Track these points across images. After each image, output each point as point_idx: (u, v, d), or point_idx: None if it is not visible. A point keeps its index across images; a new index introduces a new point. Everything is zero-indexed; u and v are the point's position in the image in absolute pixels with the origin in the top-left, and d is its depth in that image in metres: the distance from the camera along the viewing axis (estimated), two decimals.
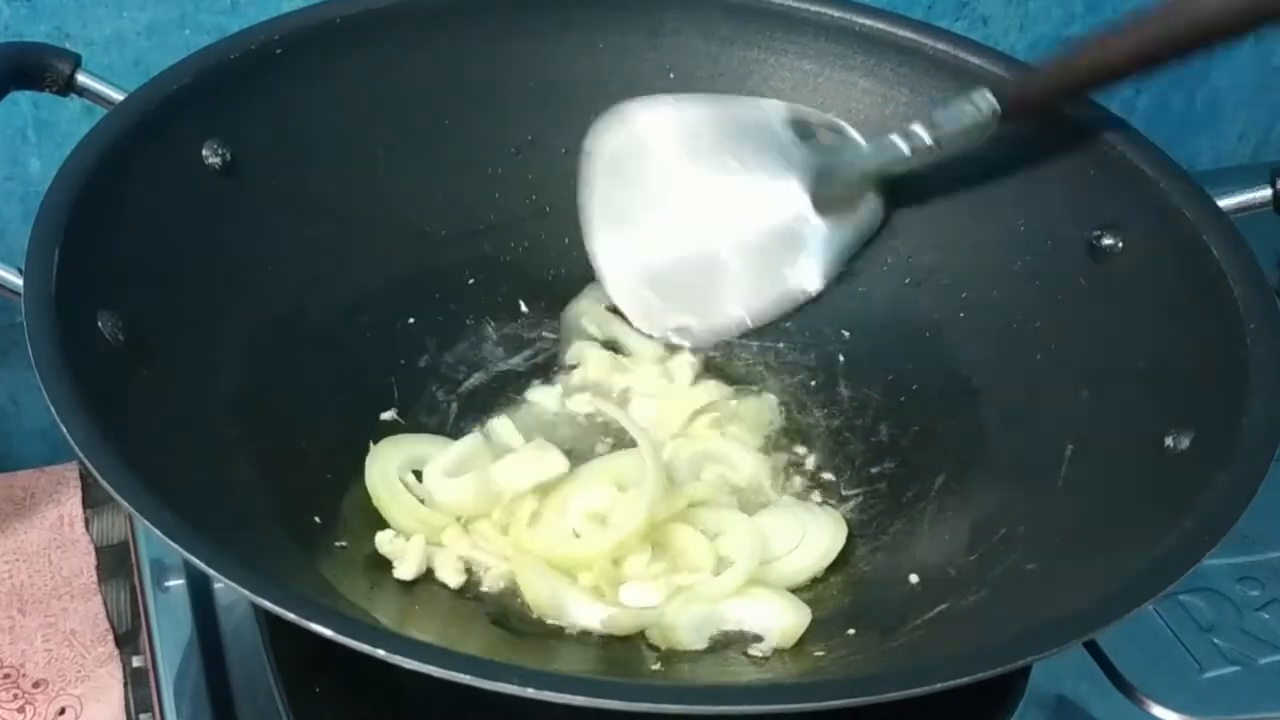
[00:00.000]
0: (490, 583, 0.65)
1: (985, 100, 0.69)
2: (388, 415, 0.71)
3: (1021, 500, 0.65)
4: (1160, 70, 0.67)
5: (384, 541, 0.65)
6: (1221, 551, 0.53)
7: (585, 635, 0.63)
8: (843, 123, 0.76)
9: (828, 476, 0.72)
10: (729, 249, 0.76)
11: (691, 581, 0.64)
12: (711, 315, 0.76)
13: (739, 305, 0.76)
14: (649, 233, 0.77)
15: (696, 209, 0.77)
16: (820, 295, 0.76)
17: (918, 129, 0.70)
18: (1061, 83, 0.69)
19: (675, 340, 0.76)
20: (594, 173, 0.77)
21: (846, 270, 0.76)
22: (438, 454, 0.68)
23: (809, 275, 0.76)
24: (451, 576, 0.65)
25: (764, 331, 0.77)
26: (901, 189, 0.75)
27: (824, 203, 0.75)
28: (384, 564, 0.65)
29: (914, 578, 0.65)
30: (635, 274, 0.77)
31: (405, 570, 0.64)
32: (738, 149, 0.76)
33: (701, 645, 0.62)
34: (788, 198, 0.75)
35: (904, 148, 0.71)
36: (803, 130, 0.76)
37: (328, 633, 0.47)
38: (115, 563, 0.81)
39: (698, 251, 0.76)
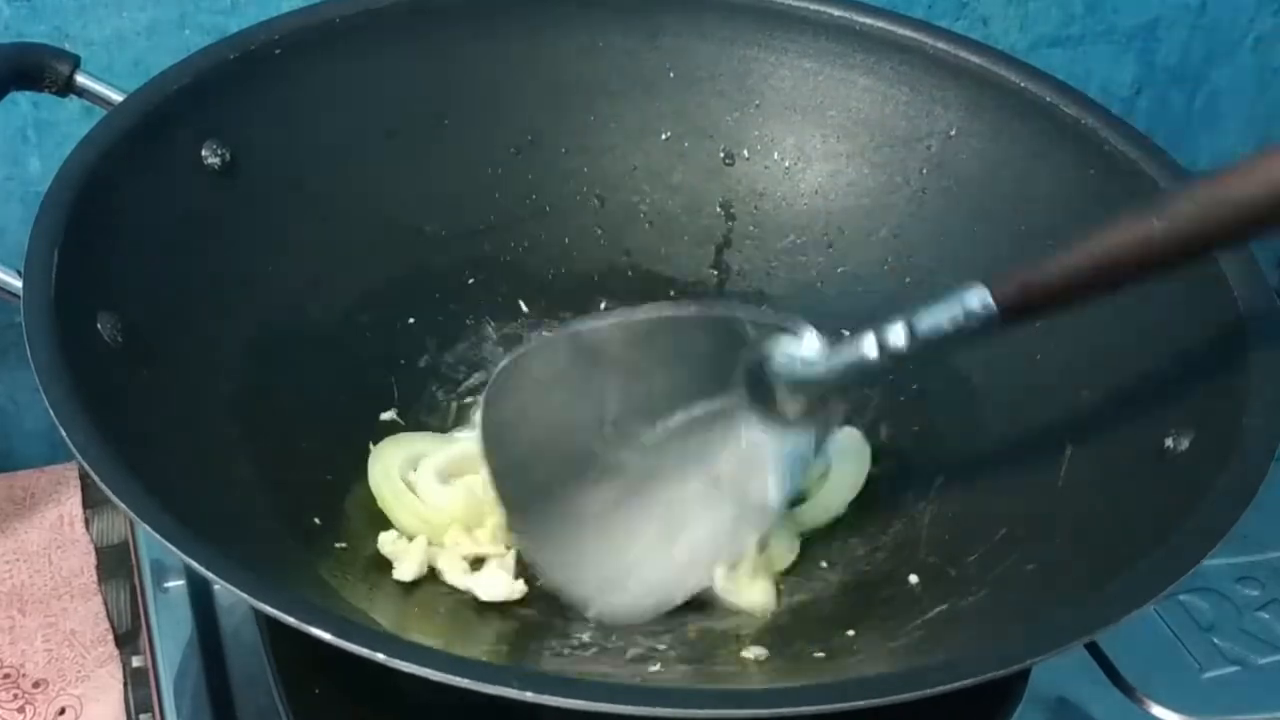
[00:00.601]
0: None
1: (979, 300, 0.58)
2: (387, 415, 0.71)
3: (1021, 500, 0.65)
4: (1192, 263, 0.58)
5: (386, 543, 0.65)
6: (1221, 551, 0.53)
7: (589, 640, 0.63)
8: (799, 321, 0.64)
9: None
10: (670, 493, 0.65)
11: None
12: (655, 583, 0.65)
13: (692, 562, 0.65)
14: (568, 500, 0.65)
15: (620, 454, 0.65)
16: (817, 289, 0.76)
17: (895, 332, 0.60)
18: (1076, 283, 0.58)
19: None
20: (487, 439, 0.65)
21: (846, 270, 0.76)
22: (432, 455, 0.68)
23: (761, 506, 0.65)
24: (456, 578, 0.65)
25: None
26: (900, 189, 0.75)
27: (774, 417, 0.64)
28: (384, 565, 0.65)
29: (914, 578, 0.65)
30: (561, 552, 0.65)
31: (405, 571, 0.64)
32: (658, 371, 0.65)
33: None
34: (729, 418, 0.64)
35: (871, 353, 0.60)
36: (737, 335, 0.64)
37: (327, 636, 0.47)
38: (115, 563, 0.81)
39: (630, 508, 0.65)
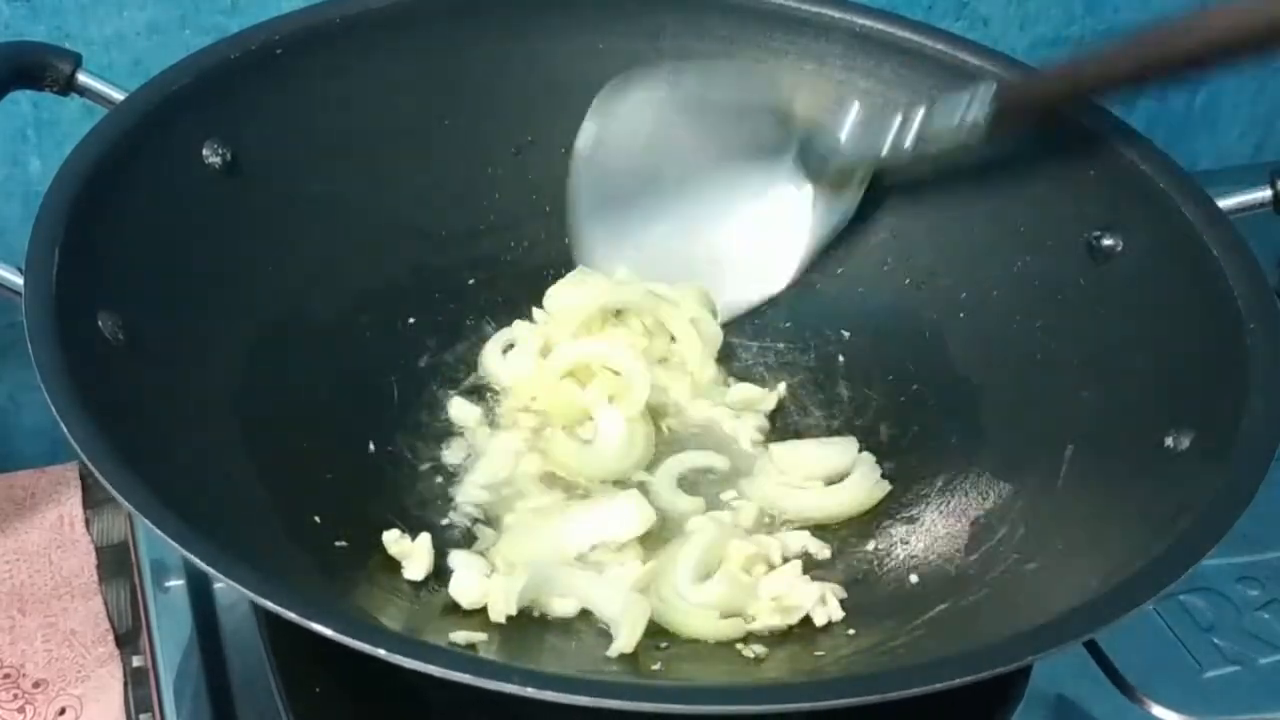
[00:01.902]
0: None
1: (983, 100, 0.68)
2: (388, 415, 0.71)
3: (1021, 500, 0.65)
4: (1159, 86, 0.67)
5: (391, 541, 0.65)
6: (1221, 551, 0.53)
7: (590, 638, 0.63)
8: (844, 107, 0.75)
9: None
10: (720, 231, 0.77)
11: None
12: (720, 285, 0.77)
13: (728, 287, 0.77)
14: (637, 215, 0.77)
15: (686, 190, 0.77)
16: (816, 289, 0.77)
17: (908, 124, 0.70)
18: (1059, 89, 0.69)
19: None
20: (582, 157, 0.76)
21: (847, 271, 0.76)
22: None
23: (790, 259, 0.77)
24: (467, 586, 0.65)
25: (764, 332, 0.77)
26: (900, 191, 0.75)
27: (817, 182, 0.76)
28: (385, 564, 0.65)
29: (914, 578, 0.65)
30: (621, 255, 0.77)
31: (415, 570, 0.64)
32: (730, 129, 0.76)
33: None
34: (780, 180, 0.76)
35: (885, 144, 0.71)
36: (791, 114, 0.76)
37: (328, 632, 0.47)
38: (115, 563, 0.81)
39: (687, 231, 0.77)
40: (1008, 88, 0.69)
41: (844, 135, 0.74)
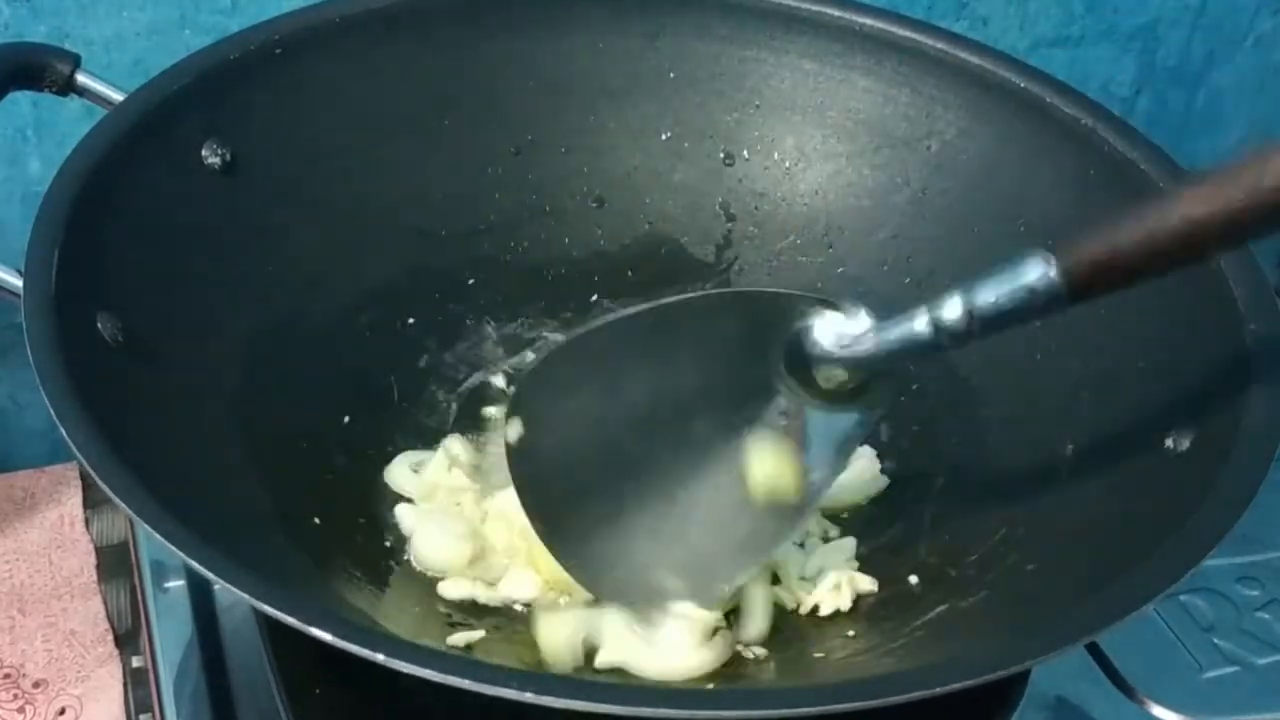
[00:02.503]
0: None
1: (1041, 275, 0.53)
2: (388, 415, 0.71)
3: (1021, 500, 0.65)
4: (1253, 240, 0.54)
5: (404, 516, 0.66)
6: (1221, 551, 0.53)
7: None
8: (838, 300, 0.62)
9: None
10: (708, 484, 0.63)
11: None
12: (715, 569, 0.63)
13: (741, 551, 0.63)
14: (599, 500, 0.62)
15: (648, 451, 0.62)
16: (817, 289, 0.73)
17: (951, 307, 0.56)
18: (1154, 253, 0.53)
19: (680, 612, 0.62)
20: (516, 453, 0.62)
21: (847, 271, 0.76)
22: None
23: (818, 484, 0.63)
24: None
25: None
26: (900, 189, 0.75)
27: (820, 396, 0.62)
28: (385, 565, 0.65)
29: (914, 578, 0.65)
30: (597, 554, 0.62)
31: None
32: (699, 357, 0.62)
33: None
34: (769, 401, 0.62)
35: (925, 331, 0.57)
36: (777, 313, 0.62)
37: (328, 637, 0.47)
38: (115, 563, 0.81)
39: (668, 501, 0.63)
40: (1074, 260, 0.53)
41: (849, 337, 0.61)
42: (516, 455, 0.61)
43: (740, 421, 0.62)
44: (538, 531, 0.61)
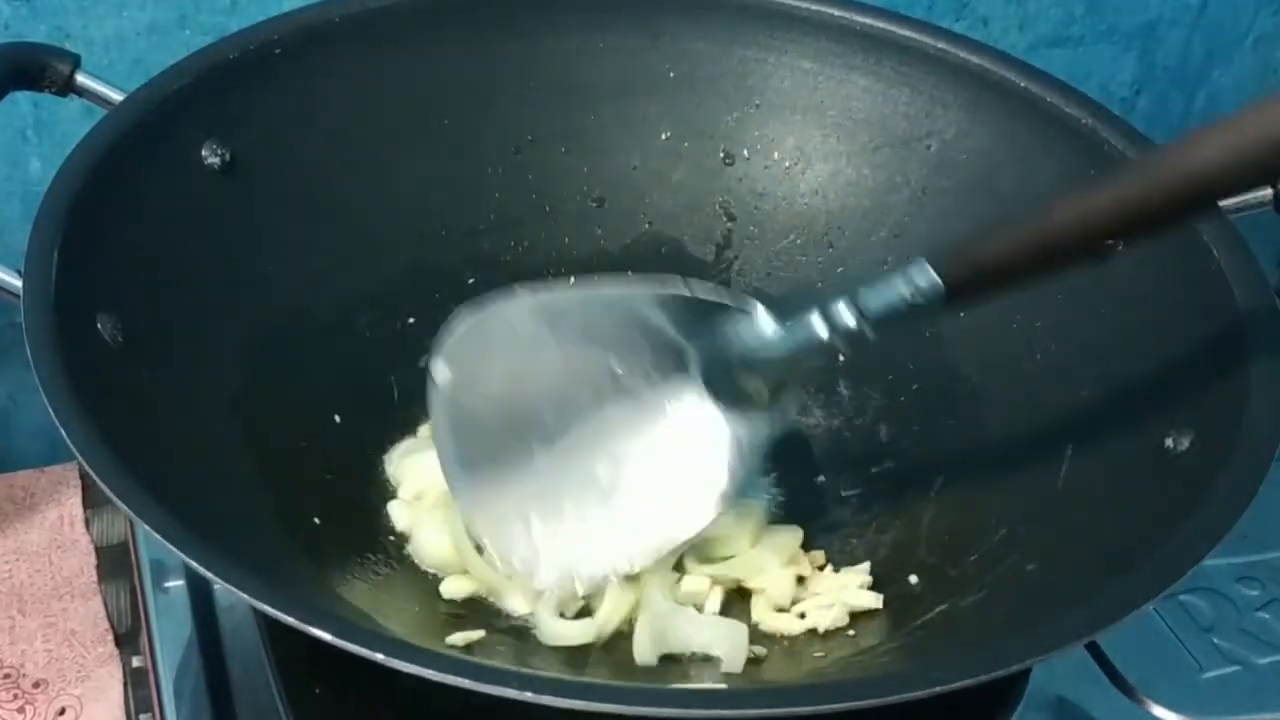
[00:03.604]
0: None
1: (924, 276, 0.58)
2: (388, 415, 0.71)
3: (1021, 500, 0.65)
4: (1152, 235, 0.58)
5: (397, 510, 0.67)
6: (1221, 551, 0.53)
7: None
8: (750, 300, 0.65)
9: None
10: (622, 470, 0.65)
11: None
12: (602, 550, 0.64)
13: (639, 533, 0.65)
14: (520, 464, 0.64)
15: (571, 428, 0.65)
16: (817, 289, 0.75)
17: (840, 309, 0.60)
18: (1022, 258, 0.58)
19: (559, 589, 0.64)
20: (442, 398, 0.64)
21: (847, 271, 0.76)
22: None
23: (710, 493, 0.64)
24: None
25: None
26: (900, 189, 0.75)
27: (726, 398, 0.65)
28: (385, 565, 0.65)
29: (914, 578, 0.65)
30: (509, 514, 0.64)
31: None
32: (614, 342, 0.65)
33: (653, 662, 0.62)
34: (682, 398, 0.65)
35: (820, 331, 0.61)
36: (693, 314, 0.65)
37: (327, 637, 0.47)
38: (115, 563, 0.81)
39: (581, 475, 0.65)
40: (949, 261, 0.58)
41: (755, 339, 0.64)
42: (442, 398, 0.64)
43: (654, 414, 0.65)
44: (446, 475, 0.64)
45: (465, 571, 0.65)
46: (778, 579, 0.65)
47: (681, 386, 0.65)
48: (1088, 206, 0.56)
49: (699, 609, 0.65)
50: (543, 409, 0.65)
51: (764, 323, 0.63)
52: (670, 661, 0.63)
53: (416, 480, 0.68)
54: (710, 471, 0.64)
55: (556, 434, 0.65)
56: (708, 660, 0.63)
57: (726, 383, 0.65)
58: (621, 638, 0.63)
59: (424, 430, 0.71)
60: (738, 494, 0.65)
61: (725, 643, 0.62)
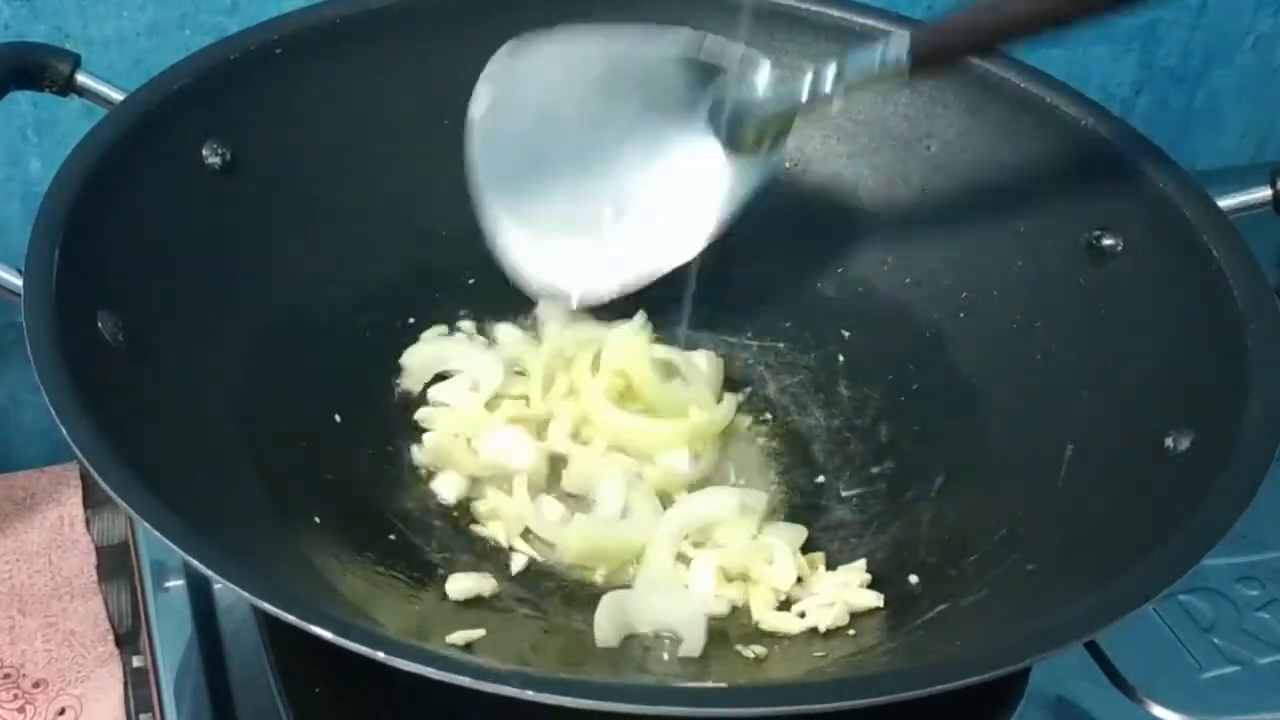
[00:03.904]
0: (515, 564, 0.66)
1: (899, 45, 0.64)
2: (388, 415, 0.71)
3: (1021, 500, 0.65)
4: (1065, 29, 0.63)
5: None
6: (1221, 551, 0.53)
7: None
8: (756, 54, 0.71)
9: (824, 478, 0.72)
10: (628, 196, 0.74)
11: None
12: (609, 267, 0.74)
13: (637, 255, 0.74)
14: (539, 181, 0.73)
15: (591, 154, 0.73)
16: (817, 289, 0.77)
17: (826, 73, 0.66)
18: (967, 38, 0.66)
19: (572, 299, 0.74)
20: (477, 123, 0.72)
21: (847, 271, 0.76)
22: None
23: (703, 226, 0.73)
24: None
25: (764, 331, 0.77)
26: (900, 189, 0.75)
27: (730, 144, 0.72)
28: (386, 565, 0.65)
29: (914, 578, 0.65)
30: (530, 230, 0.73)
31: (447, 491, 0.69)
32: (636, 87, 0.72)
33: (615, 644, 0.63)
34: (691, 142, 0.73)
35: (803, 91, 0.67)
36: (704, 66, 0.72)
37: (327, 635, 0.47)
38: (115, 563, 0.81)
39: (592, 197, 0.74)
40: (921, 36, 0.65)
41: (758, 90, 0.70)
42: (481, 127, 0.72)
43: (663, 152, 0.73)
44: (478, 194, 0.72)
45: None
46: (781, 564, 0.65)
47: (690, 131, 0.72)
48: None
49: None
50: (568, 140, 0.73)
51: (763, 79, 0.70)
52: (632, 641, 0.63)
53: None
54: (703, 209, 0.72)
55: (578, 164, 0.73)
56: (673, 642, 0.63)
57: (730, 131, 0.71)
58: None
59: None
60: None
61: (686, 626, 0.63)
